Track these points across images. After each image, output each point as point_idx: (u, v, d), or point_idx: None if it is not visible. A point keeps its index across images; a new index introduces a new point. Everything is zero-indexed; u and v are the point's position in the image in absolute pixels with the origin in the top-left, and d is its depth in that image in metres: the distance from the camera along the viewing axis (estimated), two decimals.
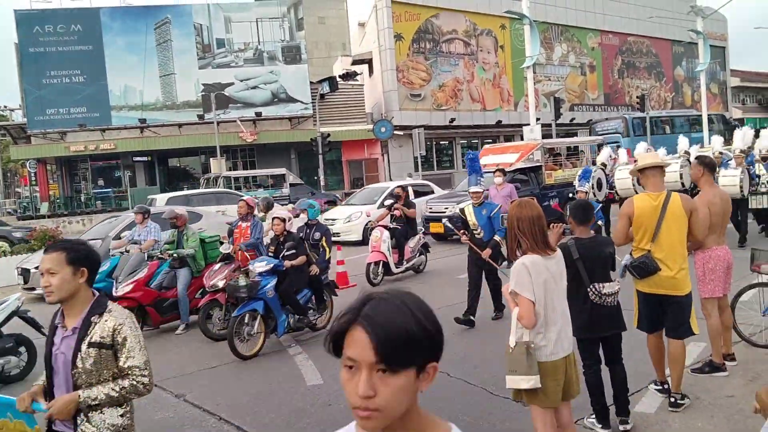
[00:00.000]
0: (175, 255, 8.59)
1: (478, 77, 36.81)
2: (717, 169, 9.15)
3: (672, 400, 4.66)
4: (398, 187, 11.97)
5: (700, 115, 31.93)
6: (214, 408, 5.56)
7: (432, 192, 18.12)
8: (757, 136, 15.84)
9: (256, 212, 9.44)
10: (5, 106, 49.90)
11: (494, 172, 12.37)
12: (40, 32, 30.34)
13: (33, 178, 33.33)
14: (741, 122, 38.08)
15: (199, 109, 31.68)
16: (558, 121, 28.08)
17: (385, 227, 10.74)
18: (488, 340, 6.68)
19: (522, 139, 24.70)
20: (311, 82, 32.98)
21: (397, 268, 10.68)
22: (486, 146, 19.84)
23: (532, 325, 3.36)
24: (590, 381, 4.28)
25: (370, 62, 35.79)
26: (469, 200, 8.24)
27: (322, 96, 31.02)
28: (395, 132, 30.36)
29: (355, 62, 36.37)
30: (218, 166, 24.71)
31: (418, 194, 17.13)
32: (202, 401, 5.76)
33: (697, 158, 5.87)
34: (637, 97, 34.34)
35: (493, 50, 37.52)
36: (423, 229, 10.37)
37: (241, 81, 32.60)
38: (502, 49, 37.73)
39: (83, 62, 30.77)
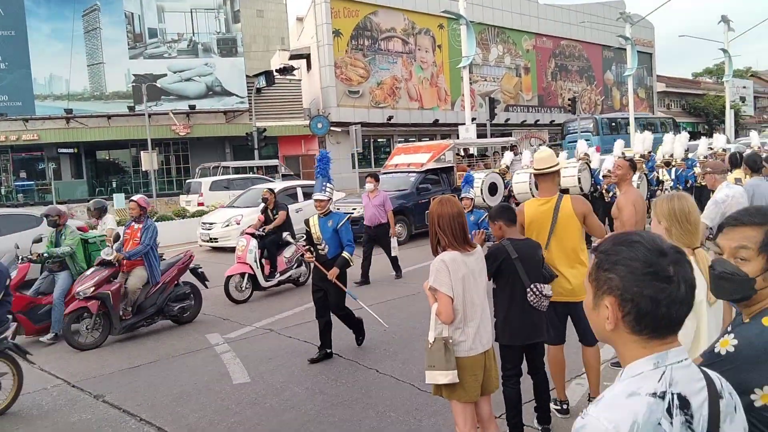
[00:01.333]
0: (46, 254, 7.73)
1: (416, 76, 37.10)
2: None
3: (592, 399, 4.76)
4: (266, 189, 10.44)
5: (656, 118, 36.97)
6: (135, 409, 5.39)
7: None
8: (693, 140, 16.28)
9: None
10: None
11: (366, 178, 11.00)
12: None
13: None
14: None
15: (129, 100, 30.55)
16: (493, 122, 28.66)
17: (252, 235, 9.61)
18: (417, 336, 6.72)
19: (458, 138, 25.09)
20: (248, 76, 32.45)
21: (267, 281, 9.54)
22: (398, 145, 19.55)
23: (450, 320, 3.38)
24: (509, 395, 4.14)
25: (308, 57, 35.48)
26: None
27: (259, 90, 30.54)
28: (332, 128, 30.24)
29: (293, 57, 36.00)
30: (149, 159, 23.83)
31: (308, 195, 15.62)
32: (122, 402, 5.58)
33: (626, 160, 5.99)
34: (569, 99, 35.44)
35: (431, 49, 37.88)
36: (305, 236, 9.30)
37: (175, 72, 31.61)
38: (440, 49, 38.15)
39: (5, 48, 29.20)
